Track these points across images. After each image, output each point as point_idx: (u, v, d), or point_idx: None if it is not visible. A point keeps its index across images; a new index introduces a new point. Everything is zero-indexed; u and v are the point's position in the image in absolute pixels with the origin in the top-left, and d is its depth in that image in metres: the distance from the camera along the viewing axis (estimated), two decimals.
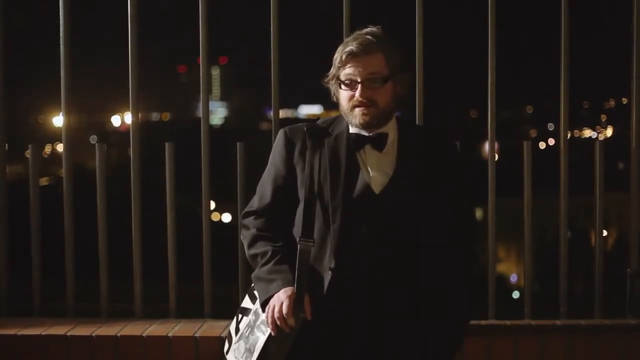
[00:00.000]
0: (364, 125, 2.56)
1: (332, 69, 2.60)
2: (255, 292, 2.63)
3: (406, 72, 2.64)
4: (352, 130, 2.62)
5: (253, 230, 2.66)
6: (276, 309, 2.49)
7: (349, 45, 2.54)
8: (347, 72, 2.54)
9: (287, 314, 2.47)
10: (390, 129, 2.62)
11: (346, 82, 2.55)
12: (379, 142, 2.59)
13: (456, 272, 2.60)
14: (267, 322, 2.51)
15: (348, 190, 2.55)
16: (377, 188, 2.56)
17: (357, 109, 2.54)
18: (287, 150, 2.64)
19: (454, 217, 2.62)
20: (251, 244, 2.66)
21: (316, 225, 2.55)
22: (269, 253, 2.59)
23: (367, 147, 2.60)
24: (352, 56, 2.53)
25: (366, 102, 2.53)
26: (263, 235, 2.64)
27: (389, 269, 2.54)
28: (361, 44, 2.53)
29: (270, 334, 2.51)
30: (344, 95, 2.57)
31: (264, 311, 2.54)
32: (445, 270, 2.57)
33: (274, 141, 2.73)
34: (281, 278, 2.53)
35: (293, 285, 2.50)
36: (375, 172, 2.58)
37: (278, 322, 2.48)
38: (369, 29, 2.59)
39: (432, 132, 2.78)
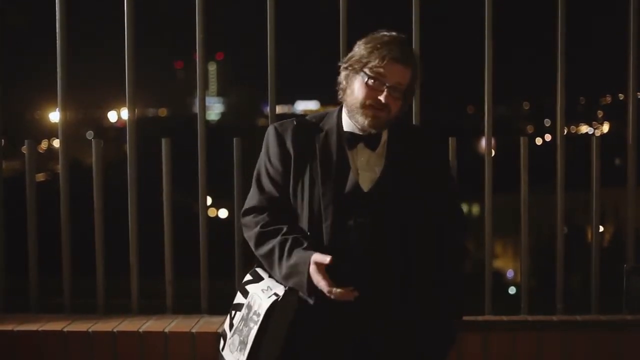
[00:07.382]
0: (370, 126, 2.56)
1: (358, 57, 2.56)
2: (246, 287, 2.62)
3: (414, 92, 2.65)
4: (346, 128, 2.62)
5: (256, 229, 2.62)
6: (331, 291, 2.43)
7: (392, 49, 2.52)
8: (380, 71, 2.52)
9: (333, 289, 2.43)
10: (384, 131, 2.64)
11: (373, 78, 2.54)
12: (372, 142, 2.60)
13: (448, 267, 2.61)
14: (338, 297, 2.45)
15: (338, 188, 2.55)
16: (365, 186, 2.57)
17: (371, 110, 2.53)
18: (278, 145, 2.63)
19: (443, 213, 2.64)
20: (258, 244, 2.62)
21: (308, 222, 2.56)
22: (277, 249, 2.55)
23: (360, 146, 2.60)
24: (393, 60, 2.52)
25: (383, 107, 2.53)
26: (266, 231, 2.60)
27: (380, 265, 2.54)
28: (403, 53, 2.54)
29: (261, 324, 2.49)
30: (362, 89, 2.54)
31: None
32: (437, 266, 2.58)
33: None
34: (298, 272, 2.49)
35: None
36: (364, 170, 2.59)
37: (345, 297, 2.43)
38: (403, 36, 2.59)
39: (419, 129, 2.81)
